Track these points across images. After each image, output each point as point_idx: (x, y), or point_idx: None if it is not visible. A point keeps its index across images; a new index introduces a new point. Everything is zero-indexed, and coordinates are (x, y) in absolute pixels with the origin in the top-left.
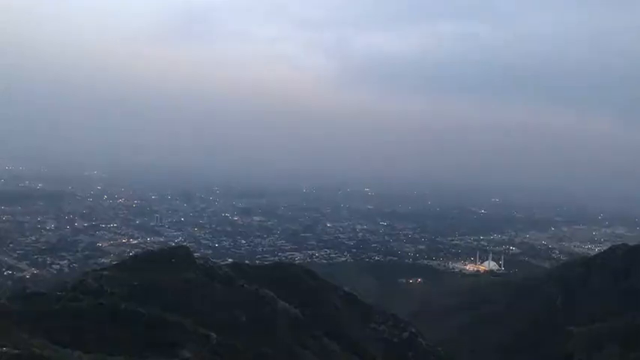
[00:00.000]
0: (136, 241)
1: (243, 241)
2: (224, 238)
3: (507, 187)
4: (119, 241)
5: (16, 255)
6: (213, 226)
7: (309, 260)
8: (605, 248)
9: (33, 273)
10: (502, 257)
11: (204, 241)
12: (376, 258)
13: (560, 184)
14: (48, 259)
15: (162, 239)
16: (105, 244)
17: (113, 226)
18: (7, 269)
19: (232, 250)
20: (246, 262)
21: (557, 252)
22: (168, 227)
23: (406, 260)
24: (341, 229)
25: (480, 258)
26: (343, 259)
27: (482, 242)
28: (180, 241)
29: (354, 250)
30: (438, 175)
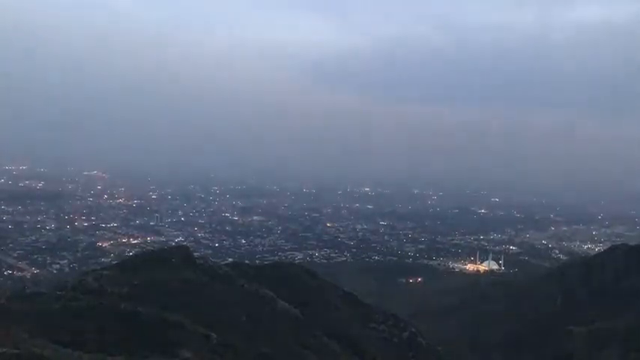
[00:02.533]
0: (136, 241)
1: (243, 241)
2: (224, 238)
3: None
4: (119, 240)
5: (16, 255)
6: (213, 225)
7: (309, 260)
8: (605, 248)
9: (33, 273)
10: (502, 257)
11: (204, 241)
12: (376, 258)
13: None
14: (48, 258)
15: (162, 239)
16: (105, 244)
17: (113, 226)
18: (7, 269)
19: (232, 249)
20: (246, 261)
21: (557, 252)
22: (168, 227)
23: (406, 260)
24: (341, 228)
25: (479, 258)
26: (343, 259)
27: (482, 242)
28: (181, 240)
29: (354, 250)
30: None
